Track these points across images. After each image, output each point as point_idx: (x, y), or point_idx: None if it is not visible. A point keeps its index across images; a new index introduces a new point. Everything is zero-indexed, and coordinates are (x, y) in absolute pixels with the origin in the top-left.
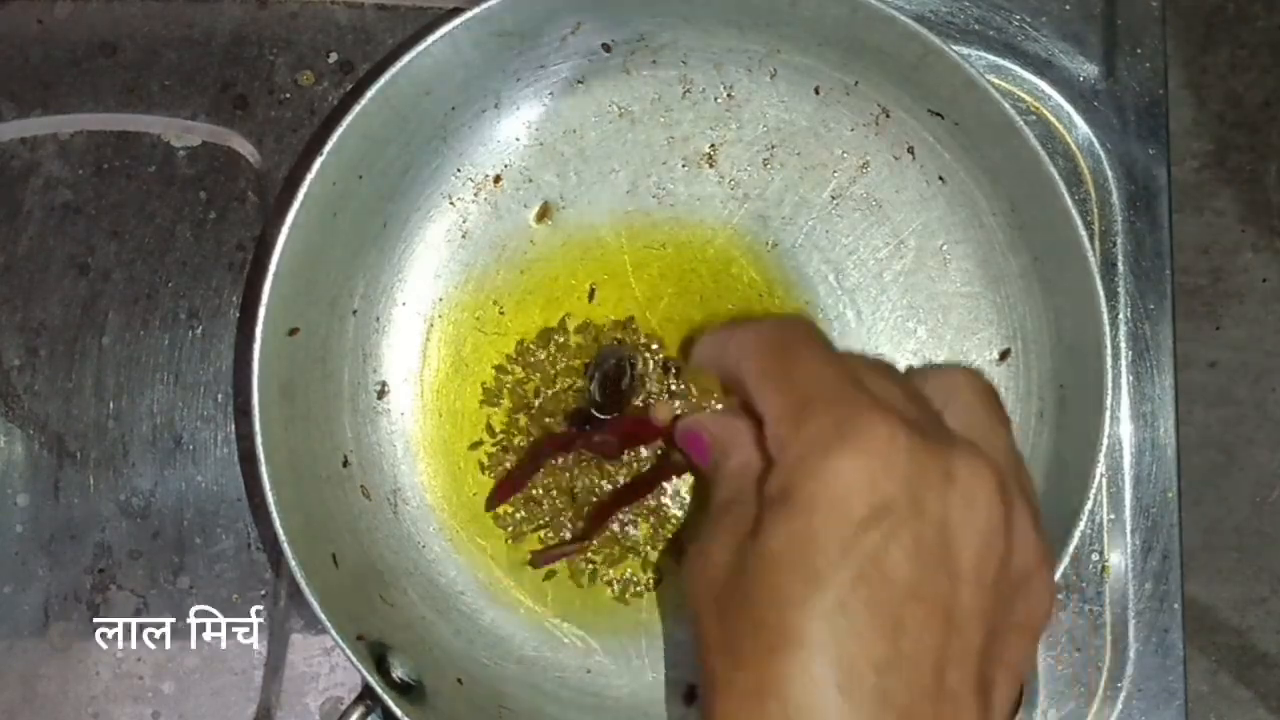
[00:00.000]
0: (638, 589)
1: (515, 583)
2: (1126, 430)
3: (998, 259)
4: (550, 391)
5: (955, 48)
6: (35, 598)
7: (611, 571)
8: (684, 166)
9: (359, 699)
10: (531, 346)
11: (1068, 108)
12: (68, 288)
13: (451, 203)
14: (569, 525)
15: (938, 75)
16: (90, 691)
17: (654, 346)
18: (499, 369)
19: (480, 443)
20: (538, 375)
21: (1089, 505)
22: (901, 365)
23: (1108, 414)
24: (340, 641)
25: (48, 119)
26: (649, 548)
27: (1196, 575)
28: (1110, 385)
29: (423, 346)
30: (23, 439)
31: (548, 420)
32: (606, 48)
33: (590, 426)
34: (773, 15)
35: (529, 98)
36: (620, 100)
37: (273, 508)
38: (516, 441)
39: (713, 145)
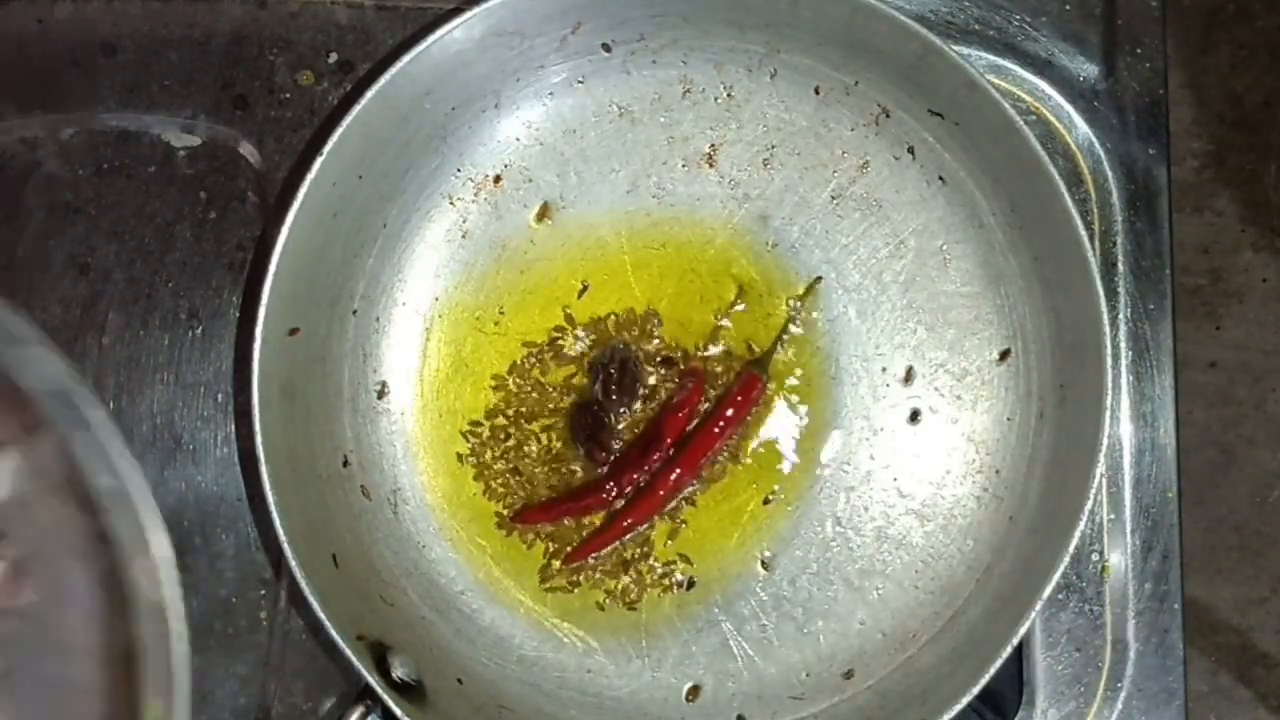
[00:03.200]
0: (630, 599)
1: (515, 583)
2: (1126, 430)
3: (998, 259)
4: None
5: (955, 48)
6: None
7: (609, 583)
8: (684, 166)
9: (359, 699)
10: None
11: (1068, 108)
12: (68, 288)
13: (451, 203)
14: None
15: (938, 75)
16: None
17: (655, 344)
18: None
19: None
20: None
21: (1089, 505)
22: (901, 365)
23: (1108, 414)
24: (340, 641)
25: (48, 119)
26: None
27: (1196, 575)
28: (1110, 385)
29: (423, 346)
30: None
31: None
32: (606, 48)
33: (593, 426)
34: (773, 15)
35: (529, 98)
36: (620, 100)
37: (273, 508)
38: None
39: (713, 145)
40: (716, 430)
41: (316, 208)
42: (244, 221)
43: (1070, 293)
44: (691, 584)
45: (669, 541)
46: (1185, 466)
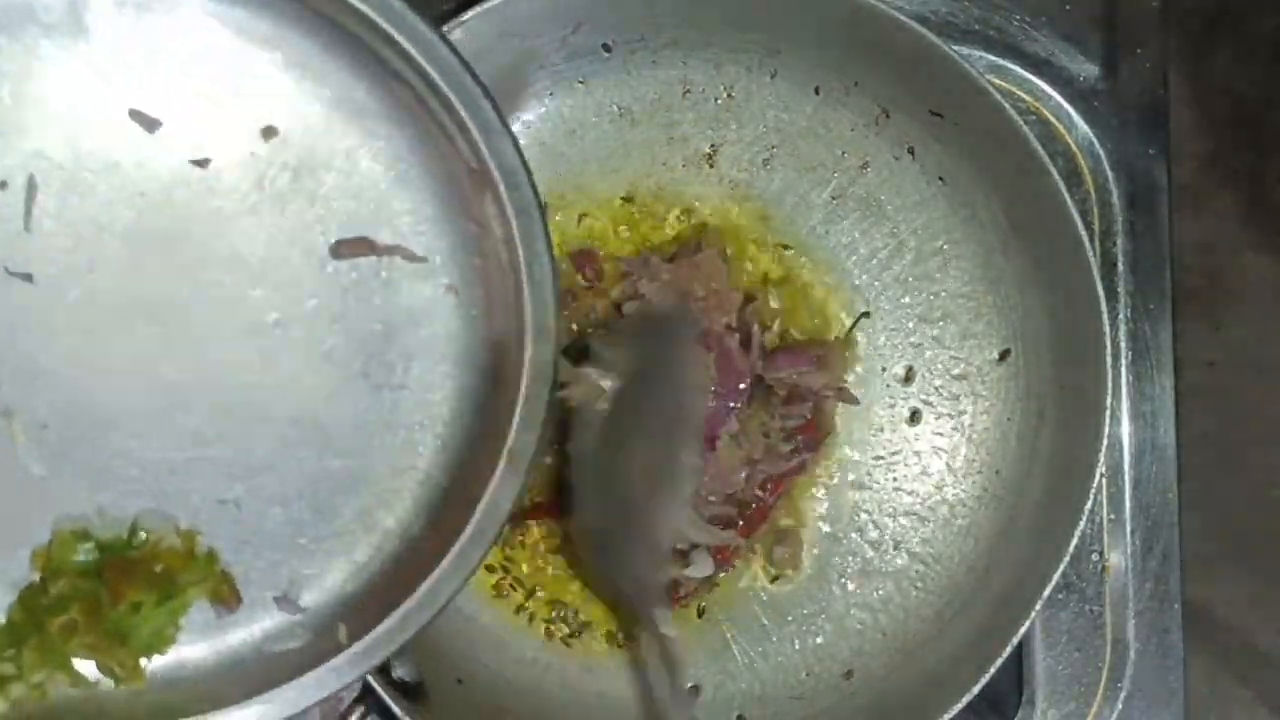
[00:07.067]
0: None
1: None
2: (1126, 430)
3: (998, 259)
4: None
5: (955, 48)
6: None
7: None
8: (684, 166)
9: (359, 699)
10: None
11: (1068, 108)
12: None
13: None
14: None
15: (938, 75)
16: None
17: None
18: None
19: None
20: None
21: (1089, 505)
22: (901, 365)
23: (1108, 414)
24: None
25: None
26: None
27: (1196, 575)
28: (1110, 385)
29: None
30: None
31: None
32: (606, 48)
33: None
34: (773, 15)
35: (528, 98)
36: (620, 100)
37: None
38: None
39: (713, 145)
40: None
41: None
42: None
43: (1070, 293)
44: (701, 613)
45: None
46: (1185, 466)
